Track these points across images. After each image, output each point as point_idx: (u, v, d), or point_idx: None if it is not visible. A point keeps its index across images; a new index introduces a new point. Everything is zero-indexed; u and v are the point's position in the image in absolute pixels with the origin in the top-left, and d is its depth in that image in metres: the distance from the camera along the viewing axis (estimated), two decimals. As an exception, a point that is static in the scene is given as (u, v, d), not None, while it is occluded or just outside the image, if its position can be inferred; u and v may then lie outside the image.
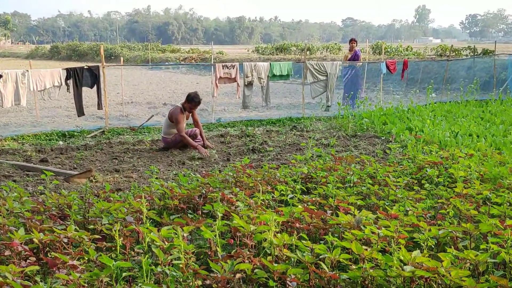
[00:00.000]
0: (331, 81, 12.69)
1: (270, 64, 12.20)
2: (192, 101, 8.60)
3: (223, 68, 11.62)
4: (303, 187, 5.39)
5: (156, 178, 5.99)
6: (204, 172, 6.74)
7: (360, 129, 10.45)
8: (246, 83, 11.90)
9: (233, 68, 11.73)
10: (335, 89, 13.22)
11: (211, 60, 12.57)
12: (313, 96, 12.84)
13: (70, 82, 10.20)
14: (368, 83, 20.68)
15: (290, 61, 13.09)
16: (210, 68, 12.43)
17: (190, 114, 8.80)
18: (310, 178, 5.82)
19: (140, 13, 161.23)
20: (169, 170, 7.18)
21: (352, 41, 14.26)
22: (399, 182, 5.43)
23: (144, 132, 10.62)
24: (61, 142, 9.39)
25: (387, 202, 4.85)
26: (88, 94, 16.92)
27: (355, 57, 13.90)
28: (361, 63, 13.76)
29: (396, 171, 6.02)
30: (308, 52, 33.99)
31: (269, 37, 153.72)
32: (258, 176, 5.56)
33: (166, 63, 36.57)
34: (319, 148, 8.39)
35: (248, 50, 44.67)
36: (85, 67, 10.39)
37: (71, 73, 10.16)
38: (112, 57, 47.76)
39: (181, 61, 38.00)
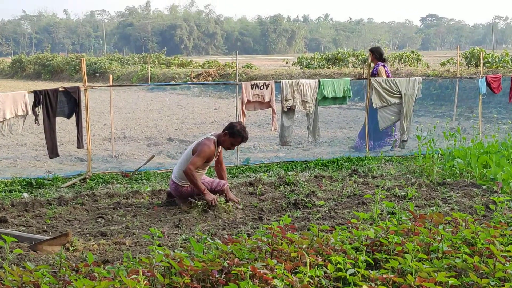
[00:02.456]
0: (407, 105, 12.67)
1: (320, 82, 12.27)
2: (238, 135, 8.55)
3: (252, 88, 11.74)
4: (369, 259, 5.32)
5: (159, 245, 6.01)
6: (226, 236, 6.74)
7: (451, 174, 10.34)
8: (286, 109, 11.98)
9: (266, 88, 11.84)
10: (413, 116, 13.19)
11: (235, 76, 12.72)
12: (381, 127, 12.81)
13: (39, 110, 10.42)
14: (461, 108, 20.57)
15: (348, 78, 13.13)
16: (234, 88, 12.59)
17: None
18: (379, 245, 5.75)
19: (136, 13, 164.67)
20: (176, 233, 7.20)
21: (371, 52, 13.96)
22: (509, 251, 5.31)
23: (141, 179, 10.74)
24: (25, 194, 9.56)
25: (493, 281, 4.74)
26: (64, 126, 17.32)
27: (372, 75, 13.72)
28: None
29: (505, 235, 5.90)
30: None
31: (317, 44, 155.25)
32: (303, 243, 5.52)
33: (173, 82, 37.18)
34: (391, 201, 8.31)
35: (287, 62, 45.23)
36: (60, 89, 10.62)
37: (40, 98, 10.37)
38: (98, 75, 48.85)
39: (193, 78, 38.60)
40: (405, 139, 12.98)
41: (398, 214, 6.74)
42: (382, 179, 10.28)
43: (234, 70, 36.39)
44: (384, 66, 13.74)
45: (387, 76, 13.46)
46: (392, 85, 12.63)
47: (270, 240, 5.60)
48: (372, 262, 5.43)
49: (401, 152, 12.98)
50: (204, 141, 8.49)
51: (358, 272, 4.85)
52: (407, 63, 35.15)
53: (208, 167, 8.80)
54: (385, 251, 5.61)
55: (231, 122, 8.67)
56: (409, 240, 5.64)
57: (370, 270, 5.02)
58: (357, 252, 5.40)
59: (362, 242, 5.69)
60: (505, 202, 7.73)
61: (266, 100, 11.83)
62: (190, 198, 8.44)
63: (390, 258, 5.22)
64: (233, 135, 8.53)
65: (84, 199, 9.02)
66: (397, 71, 29.08)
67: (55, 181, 10.41)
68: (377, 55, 13.87)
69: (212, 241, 5.76)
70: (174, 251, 5.55)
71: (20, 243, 6.71)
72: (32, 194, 9.59)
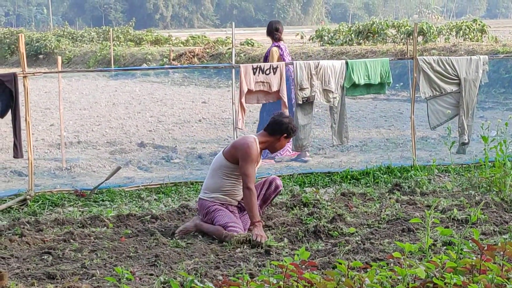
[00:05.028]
0: (469, 94, 12.64)
1: (347, 63, 12.27)
2: (294, 132, 9.02)
3: (255, 73, 11.73)
4: (418, 307, 5.32)
5: (128, 290, 6.01)
6: (221, 277, 6.73)
7: (531, 189, 10.32)
8: (301, 102, 11.97)
9: (274, 73, 11.83)
10: (477, 110, 13.17)
11: (230, 57, 12.73)
12: (432, 125, 12.78)
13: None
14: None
15: (386, 57, 13.13)
16: (228, 74, 12.63)
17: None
18: (431, 288, 5.75)
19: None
20: (152, 274, 7.19)
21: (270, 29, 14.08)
22: None
23: (103, 200, 10.73)
24: None
25: None
26: (-4, 128, 17.32)
27: (265, 58, 13.83)
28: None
29: None
30: (420, 39, 34.13)
31: (342, 11, 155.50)
32: (327, 286, 5.52)
33: (145, 66, 37.19)
34: (447, 227, 8.29)
35: (302, 37, 45.23)
36: (-11, 76, 10.63)
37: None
38: (42, 57, 48.93)
39: (173, 60, 38.61)
40: (466, 141, 12.93)
41: (457, 245, 6.73)
42: (435, 196, 10.26)
43: (229, 49, 36.44)
44: (279, 46, 13.64)
45: (282, 59, 13.42)
46: (448, 66, 12.60)
47: (281, 283, 5.60)
48: (423, 312, 5.43)
49: (461, 159, 12.95)
50: (246, 142, 8.72)
51: (404, 325, 4.85)
52: (467, 37, 35.16)
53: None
54: (441, 296, 5.61)
55: (277, 120, 8.90)
56: (474, 280, 5.63)
57: (420, 323, 5.02)
58: (402, 298, 5.40)
59: (408, 284, 5.69)
60: None
61: (274, 89, 11.83)
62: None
63: (447, 306, 5.22)
64: (293, 134, 9.01)
65: (24, 228, 8.99)
66: (454, 48, 29.09)
67: (-16, 203, 10.41)
68: (272, 33, 13.91)
69: (201, 285, 5.76)
70: (149, 299, 5.56)
71: None
72: (-47, 222, 9.59)
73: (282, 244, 8.30)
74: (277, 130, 8.83)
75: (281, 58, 13.46)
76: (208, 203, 8.74)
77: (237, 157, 8.64)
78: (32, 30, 72.81)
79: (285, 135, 8.84)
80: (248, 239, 8.24)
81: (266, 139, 8.86)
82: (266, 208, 9.32)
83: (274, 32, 13.90)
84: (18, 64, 12.74)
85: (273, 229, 8.77)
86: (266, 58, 13.76)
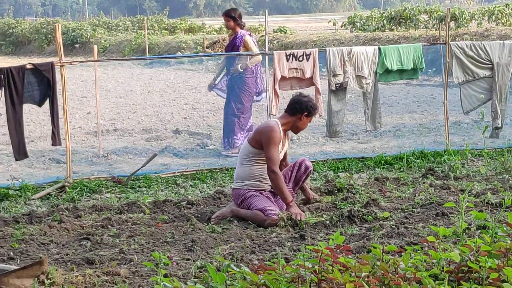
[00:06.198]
0: (502, 78, 12.54)
1: (380, 49, 12.22)
2: (315, 110, 9.12)
3: (288, 60, 11.72)
4: (453, 290, 5.30)
5: (165, 275, 6.02)
6: (257, 262, 6.73)
7: None
8: (334, 88, 11.94)
9: (307, 60, 11.81)
10: (510, 94, 13.05)
11: (263, 45, 12.71)
12: (465, 109, 12.70)
13: (0, 95, 10.48)
14: None
15: (419, 43, 13.06)
16: (262, 61, 12.58)
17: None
18: (466, 271, 5.71)
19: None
20: (188, 259, 7.20)
21: (226, 15, 13.59)
22: None
23: (139, 186, 10.77)
24: (-16, 209, 9.64)
25: None
26: (34, 117, 17.42)
27: (233, 47, 13.46)
28: (247, 64, 12.95)
29: None
30: (452, 24, 33.88)
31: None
32: (362, 270, 5.50)
33: (179, 54, 37.23)
34: (482, 211, 8.24)
35: (335, 24, 45.08)
36: (27, 66, 10.64)
37: (1, 79, 10.40)
38: (78, 46, 49.10)
39: (207, 48, 38.60)
40: (499, 125, 12.84)
41: (492, 229, 6.69)
42: (469, 180, 10.21)
43: (262, 36, 36.32)
44: (251, 35, 13.41)
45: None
46: (481, 51, 12.50)
47: (316, 267, 5.58)
48: (458, 295, 5.40)
49: (494, 143, 12.86)
50: (268, 127, 8.84)
51: (439, 308, 4.82)
52: (499, 21, 34.86)
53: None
54: (475, 279, 5.57)
55: (296, 99, 8.99)
56: (508, 263, 5.59)
57: (455, 306, 4.99)
58: (437, 282, 5.37)
59: (443, 268, 5.66)
60: None
61: (307, 75, 11.81)
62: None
63: (482, 289, 5.19)
64: (313, 111, 9.03)
65: (63, 214, 9.04)
66: (486, 33, 28.84)
67: (24, 190, 10.45)
68: (238, 19, 13.42)
69: (237, 269, 5.76)
70: (186, 283, 5.56)
71: (-22, 275, 6.76)
72: (-6, 209, 9.67)
73: (322, 220, 8.40)
74: (298, 109, 8.89)
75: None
76: (243, 191, 8.79)
77: (261, 142, 8.75)
78: (68, 20, 72.85)
79: (306, 113, 8.89)
80: (289, 218, 8.35)
81: (288, 120, 8.96)
82: (298, 190, 9.34)
83: (239, 18, 13.46)
84: (55, 53, 12.85)
85: (308, 213, 8.77)
86: (235, 47, 13.38)
